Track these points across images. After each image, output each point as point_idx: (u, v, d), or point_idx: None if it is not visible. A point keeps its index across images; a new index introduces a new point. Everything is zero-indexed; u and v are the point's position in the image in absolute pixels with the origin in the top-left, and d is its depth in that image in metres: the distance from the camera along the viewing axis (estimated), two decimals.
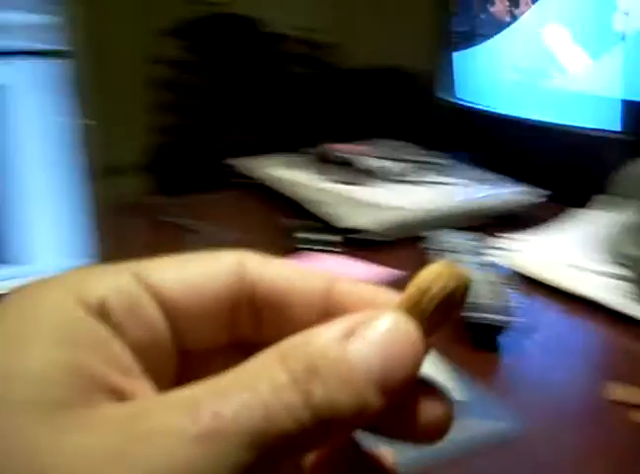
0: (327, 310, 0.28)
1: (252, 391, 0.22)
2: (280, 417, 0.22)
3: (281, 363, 0.23)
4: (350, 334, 0.24)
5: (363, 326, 0.24)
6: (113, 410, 0.22)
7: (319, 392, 0.22)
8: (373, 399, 0.23)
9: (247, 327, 0.29)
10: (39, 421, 0.20)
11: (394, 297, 0.27)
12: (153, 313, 0.26)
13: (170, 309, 0.27)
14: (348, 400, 0.23)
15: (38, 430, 0.20)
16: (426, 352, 0.25)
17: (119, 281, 0.26)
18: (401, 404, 0.25)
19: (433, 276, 0.26)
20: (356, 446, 0.28)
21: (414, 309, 0.25)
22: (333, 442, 0.27)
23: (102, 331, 0.24)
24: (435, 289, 0.26)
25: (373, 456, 0.28)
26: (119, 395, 0.23)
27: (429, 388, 0.26)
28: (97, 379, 0.23)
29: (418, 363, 0.25)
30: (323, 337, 0.24)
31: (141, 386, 0.25)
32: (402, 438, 0.26)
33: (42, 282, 0.25)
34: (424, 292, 0.26)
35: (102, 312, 0.25)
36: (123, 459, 0.20)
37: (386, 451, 0.29)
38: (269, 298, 0.28)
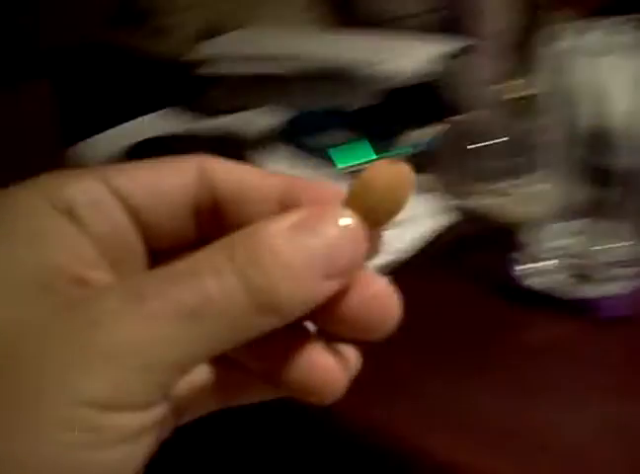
0: (284, 207, 0.30)
1: (196, 278, 0.25)
2: (220, 303, 0.24)
3: (226, 253, 0.25)
4: (296, 226, 0.26)
5: (310, 219, 0.26)
6: (74, 294, 0.25)
7: (259, 279, 0.25)
8: (314, 289, 0.26)
9: (211, 225, 0.31)
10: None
11: (342, 194, 0.28)
12: (118, 213, 0.29)
13: (135, 210, 0.30)
14: (287, 287, 0.25)
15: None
16: (371, 245, 0.27)
17: (85, 184, 0.29)
18: (341, 298, 0.27)
19: (376, 171, 0.28)
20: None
21: (359, 205, 0.27)
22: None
23: (70, 229, 0.28)
24: (378, 185, 0.28)
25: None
26: (84, 284, 0.26)
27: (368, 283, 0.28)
28: (63, 270, 0.26)
29: (360, 256, 0.27)
30: (269, 228, 0.26)
31: (106, 277, 0.28)
32: (352, 331, 0.28)
33: (18, 187, 0.28)
34: (367, 188, 0.28)
35: (70, 212, 0.28)
36: (75, 338, 0.23)
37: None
38: (229, 197, 0.30)
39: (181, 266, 0.26)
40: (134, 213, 0.30)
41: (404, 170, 0.28)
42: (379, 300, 0.28)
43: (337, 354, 0.30)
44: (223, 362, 0.31)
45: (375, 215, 0.28)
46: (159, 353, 0.24)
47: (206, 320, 0.25)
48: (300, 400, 0.29)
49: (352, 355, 0.31)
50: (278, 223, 0.26)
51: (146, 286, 0.25)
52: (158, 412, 0.25)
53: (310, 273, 0.26)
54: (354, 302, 0.28)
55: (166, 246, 0.31)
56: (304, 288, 0.26)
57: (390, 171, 0.28)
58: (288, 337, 0.29)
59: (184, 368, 0.25)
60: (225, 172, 0.31)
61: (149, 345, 0.24)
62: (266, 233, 0.26)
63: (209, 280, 0.25)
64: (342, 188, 0.29)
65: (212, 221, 0.31)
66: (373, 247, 0.28)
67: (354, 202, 0.28)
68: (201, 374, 0.32)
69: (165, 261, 0.27)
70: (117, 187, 0.29)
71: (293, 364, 0.29)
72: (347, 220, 0.27)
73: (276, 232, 0.26)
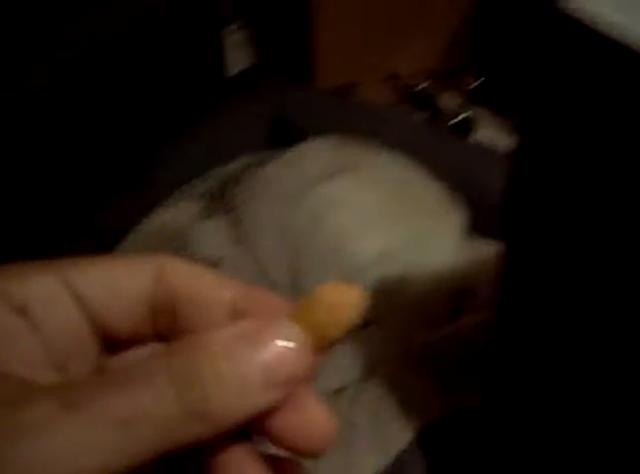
0: (237, 314, 0.32)
1: (131, 387, 0.26)
2: (152, 412, 0.26)
3: (164, 362, 0.27)
4: (238, 338, 0.28)
5: (253, 331, 0.28)
6: (12, 395, 0.26)
7: (193, 391, 0.26)
8: (247, 402, 0.27)
9: (165, 323, 0.33)
10: None
11: (293, 308, 0.30)
12: (72, 310, 0.31)
13: (89, 307, 0.31)
14: (220, 400, 0.26)
15: None
16: (317, 359, 0.29)
17: (41, 280, 0.30)
18: (285, 414, 0.29)
19: (326, 289, 0.30)
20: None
21: (309, 321, 0.29)
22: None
23: (20, 327, 0.29)
24: (326, 301, 0.30)
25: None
26: (27, 383, 0.27)
27: (310, 403, 0.30)
28: (8, 369, 0.27)
29: (300, 371, 0.28)
30: (210, 339, 0.28)
31: (51, 376, 0.29)
32: (288, 448, 0.30)
33: None
34: (315, 303, 0.30)
35: (23, 309, 0.29)
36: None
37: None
38: (184, 300, 0.33)
39: (118, 374, 0.27)
40: (89, 310, 0.31)
41: (353, 291, 0.31)
42: (311, 427, 0.30)
43: (279, 467, 0.31)
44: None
45: (321, 331, 0.29)
46: (87, 460, 0.25)
47: (138, 428, 0.25)
48: None
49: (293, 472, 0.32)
50: (219, 334, 0.28)
51: (81, 393, 0.26)
52: None
53: (245, 386, 0.27)
54: (287, 423, 0.29)
55: (123, 339, 0.33)
56: (238, 401, 0.27)
57: (339, 290, 0.30)
58: (229, 449, 0.30)
59: None
60: (183, 275, 0.33)
61: (78, 452, 0.24)
62: (206, 344, 0.27)
63: (144, 389, 0.26)
64: (292, 302, 0.32)
65: (168, 320, 0.33)
66: (314, 365, 0.30)
67: (301, 316, 0.29)
68: None
69: (121, 352, 0.31)
70: (72, 283, 0.31)
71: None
72: (290, 334, 0.28)
73: (216, 343, 0.27)
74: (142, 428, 0.25)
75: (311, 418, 0.30)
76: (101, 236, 1.65)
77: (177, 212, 1.61)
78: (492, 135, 2.26)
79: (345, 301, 0.30)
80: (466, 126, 2.28)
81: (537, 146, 0.88)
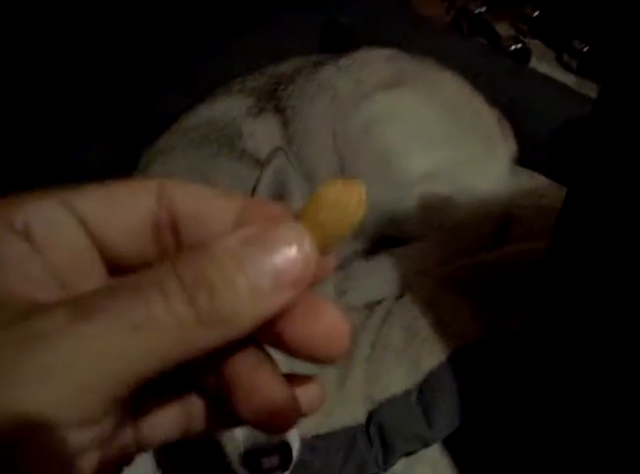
0: (240, 224, 0.32)
1: (141, 294, 0.27)
2: (164, 318, 0.26)
3: (172, 268, 0.27)
4: (246, 241, 0.29)
5: (260, 233, 0.29)
6: (22, 311, 0.27)
7: (204, 295, 0.27)
8: (260, 303, 0.28)
9: (170, 242, 0.33)
10: None
11: (296, 212, 0.31)
12: (75, 234, 0.31)
13: (93, 231, 0.32)
14: (232, 302, 0.27)
15: None
16: (322, 262, 0.30)
17: (44, 206, 0.31)
18: (299, 320, 0.30)
19: (328, 188, 0.31)
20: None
21: (313, 221, 0.30)
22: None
23: (24, 250, 0.30)
24: (328, 200, 0.30)
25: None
26: (33, 303, 0.28)
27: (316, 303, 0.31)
28: (13, 290, 0.28)
29: (309, 268, 0.29)
30: (218, 244, 0.28)
31: (55, 297, 0.29)
32: (304, 355, 0.31)
33: None
34: (318, 203, 0.31)
35: (27, 233, 0.30)
36: (14, 352, 0.25)
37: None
38: (187, 218, 0.33)
39: (128, 282, 0.28)
40: (92, 232, 0.32)
41: (355, 187, 0.31)
42: (326, 330, 0.30)
43: (296, 385, 0.33)
44: (183, 392, 0.33)
45: (326, 229, 0.30)
46: (101, 367, 0.26)
47: (151, 334, 0.26)
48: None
49: (311, 389, 0.34)
50: (227, 239, 0.29)
51: (91, 302, 0.27)
52: (102, 429, 0.27)
53: (255, 289, 0.28)
54: (302, 328, 0.30)
55: (126, 263, 0.33)
56: (248, 304, 0.28)
57: (341, 188, 0.31)
58: (248, 362, 0.31)
59: (129, 383, 0.27)
60: (184, 194, 0.33)
61: (91, 359, 0.25)
62: (213, 250, 0.28)
63: (154, 295, 0.27)
64: (292, 209, 0.33)
65: (172, 240, 0.33)
66: (325, 265, 0.31)
67: (305, 217, 0.31)
68: (163, 404, 0.33)
69: (127, 275, 0.29)
70: (74, 207, 0.31)
71: (250, 393, 0.31)
72: (295, 234, 0.29)
73: (224, 248, 0.28)
74: (155, 333, 0.26)
75: (325, 321, 0.31)
76: (151, 126, 1.62)
77: (227, 106, 1.57)
78: (546, 69, 2.19)
79: (347, 198, 0.31)
80: (523, 57, 2.22)
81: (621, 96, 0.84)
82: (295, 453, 1.03)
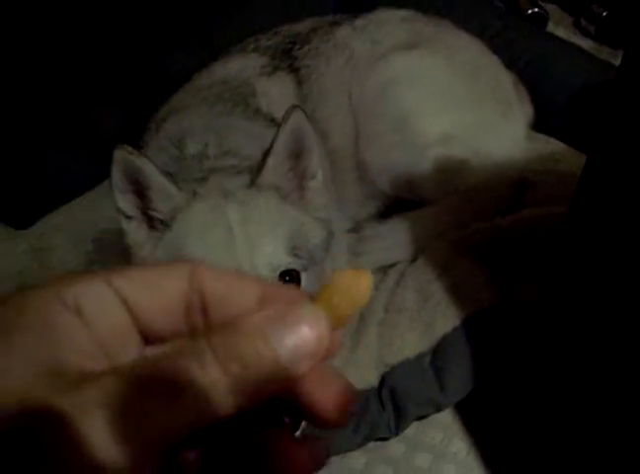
0: (263, 304, 0.37)
1: (181, 360, 0.32)
2: (199, 384, 0.31)
3: (208, 341, 0.32)
4: (270, 319, 0.33)
5: (281, 313, 0.34)
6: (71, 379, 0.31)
7: (236, 369, 0.32)
8: (279, 373, 0.33)
9: (199, 317, 0.38)
10: None
11: (311, 296, 0.36)
12: (118, 311, 0.36)
13: (134, 308, 0.37)
14: (257, 372, 0.32)
15: None
16: (334, 330, 0.35)
17: (92, 285, 0.36)
18: (310, 384, 0.35)
19: (340, 277, 0.37)
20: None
21: (325, 303, 0.35)
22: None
23: (75, 324, 0.34)
24: (341, 285, 0.36)
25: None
26: (82, 372, 0.32)
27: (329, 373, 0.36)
28: (66, 360, 0.32)
29: (322, 342, 0.34)
30: (246, 321, 0.33)
31: (101, 366, 0.33)
32: (312, 417, 0.36)
33: (36, 287, 0.35)
34: (332, 288, 0.36)
35: (77, 309, 0.34)
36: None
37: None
38: (215, 299, 0.38)
39: (168, 354, 0.32)
40: (132, 311, 0.37)
41: (364, 276, 0.37)
42: (335, 403, 0.36)
43: (307, 445, 0.36)
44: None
45: (337, 310, 0.35)
46: (140, 427, 0.30)
47: (189, 400, 0.31)
48: None
49: (320, 448, 0.37)
50: (255, 318, 0.34)
51: (138, 371, 0.32)
52: None
53: (278, 361, 0.33)
54: (315, 398, 0.36)
55: (160, 335, 0.38)
56: (272, 373, 0.33)
57: (352, 276, 0.37)
58: (268, 429, 0.37)
59: (162, 443, 0.31)
60: (213, 277, 0.38)
61: (137, 422, 0.30)
62: (244, 326, 0.33)
63: (193, 367, 0.31)
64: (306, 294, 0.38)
65: (201, 316, 0.38)
66: (335, 339, 0.36)
67: (320, 300, 0.36)
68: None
69: (160, 344, 0.37)
70: (118, 288, 0.36)
71: (269, 452, 0.36)
72: (312, 315, 0.34)
73: (252, 325, 0.33)
74: (192, 399, 0.31)
75: (334, 389, 0.36)
76: (165, 83, 1.60)
77: (241, 65, 1.55)
78: (563, 34, 2.16)
79: (357, 285, 0.36)
80: (540, 21, 2.18)
81: None
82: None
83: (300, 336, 0.34)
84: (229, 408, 0.32)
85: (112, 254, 1.27)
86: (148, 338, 0.38)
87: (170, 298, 0.38)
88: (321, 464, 0.37)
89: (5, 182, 1.63)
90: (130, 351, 0.37)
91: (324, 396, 0.36)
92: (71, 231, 1.59)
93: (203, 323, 0.38)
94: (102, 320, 0.35)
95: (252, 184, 1.08)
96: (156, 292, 0.37)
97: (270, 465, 0.36)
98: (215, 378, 0.32)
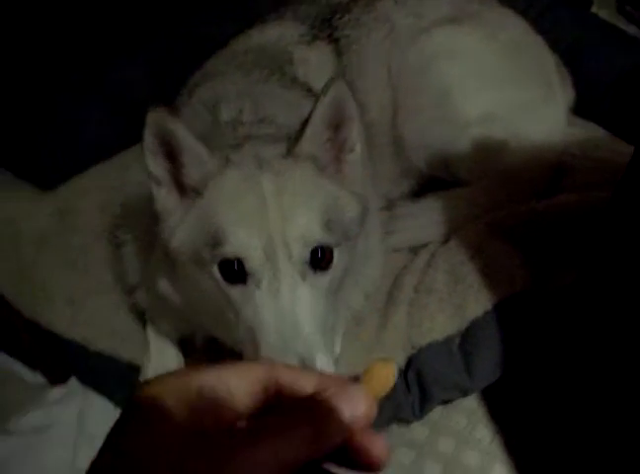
0: (321, 388, 0.50)
1: (287, 437, 0.46)
2: (298, 453, 0.45)
3: (305, 419, 0.47)
4: (342, 397, 0.48)
5: (349, 393, 0.49)
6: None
7: (323, 434, 0.47)
8: (347, 433, 0.48)
9: (272, 398, 0.50)
10: None
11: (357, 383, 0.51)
12: (227, 395, 0.49)
13: (234, 393, 0.49)
14: (336, 437, 0.47)
15: None
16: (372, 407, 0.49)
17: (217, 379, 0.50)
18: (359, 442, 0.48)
19: (376, 366, 0.53)
20: None
21: (367, 385, 0.51)
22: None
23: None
24: (377, 374, 0.52)
25: None
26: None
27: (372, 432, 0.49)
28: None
29: (373, 414, 0.49)
30: (330, 399, 0.48)
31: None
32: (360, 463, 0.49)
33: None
34: (371, 376, 0.52)
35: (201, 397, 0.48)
36: None
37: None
38: (286, 383, 0.50)
39: (272, 425, 0.47)
40: (234, 394, 0.49)
41: (391, 365, 0.53)
42: (373, 450, 0.49)
43: None
44: None
45: (374, 392, 0.51)
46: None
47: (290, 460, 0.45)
48: None
49: None
50: (331, 396, 0.48)
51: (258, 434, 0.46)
52: None
53: (344, 425, 0.48)
54: (360, 447, 0.48)
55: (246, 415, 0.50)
56: (340, 434, 0.47)
57: (383, 365, 0.53)
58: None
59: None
60: (285, 369, 0.52)
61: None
62: (326, 403, 0.48)
63: (296, 433, 0.46)
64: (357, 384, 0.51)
65: (274, 397, 0.50)
66: (373, 408, 0.49)
67: (365, 383, 0.52)
68: None
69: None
70: (226, 378, 0.50)
71: None
72: (364, 394, 0.49)
73: (332, 401, 0.48)
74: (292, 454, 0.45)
75: (374, 444, 0.49)
76: (199, 47, 1.57)
77: (279, 32, 1.51)
78: (606, 19, 2.10)
79: (387, 372, 0.53)
80: (584, 3, 2.13)
81: None
82: None
83: (359, 408, 0.49)
84: (312, 457, 0.47)
85: (138, 219, 1.25)
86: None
87: (251, 392, 0.50)
88: None
89: (33, 142, 1.62)
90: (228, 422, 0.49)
91: (371, 445, 0.49)
92: (98, 194, 1.57)
93: (277, 402, 0.51)
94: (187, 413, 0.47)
95: (288, 153, 1.05)
96: (245, 380, 0.50)
97: None
98: (309, 443, 0.46)
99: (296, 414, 0.48)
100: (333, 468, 0.50)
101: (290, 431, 0.46)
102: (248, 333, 0.98)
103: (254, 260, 0.97)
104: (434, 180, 1.60)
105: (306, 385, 0.51)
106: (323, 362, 0.92)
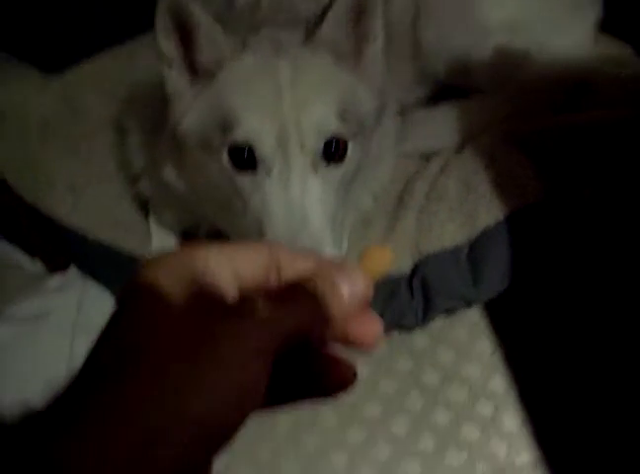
0: (320, 268, 0.51)
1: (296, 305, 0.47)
2: (310, 316, 0.47)
3: (310, 289, 0.48)
4: (342, 274, 0.50)
5: (347, 271, 0.50)
6: None
7: (326, 306, 0.48)
8: (347, 308, 0.49)
9: (274, 279, 0.51)
10: None
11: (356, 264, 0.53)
12: (229, 272, 0.48)
13: (238, 270, 0.49)
14: (341, 310, 0.48)
15: None
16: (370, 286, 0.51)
17: (214, 259, 0.48)
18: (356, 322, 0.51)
19: (372, 249, 0.54)
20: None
21: (364, 266, 0.52)
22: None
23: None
24: (373, 258, 0.53)
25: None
26: None
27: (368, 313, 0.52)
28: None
29: (370, 292, 0.50)
30: (329, 275, 0.49)
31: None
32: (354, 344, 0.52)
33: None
34: (368, 258, 0.53)
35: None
36: None
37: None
38: (286, 263, 0.51)
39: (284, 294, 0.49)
40: (236, 271, 0.49)
41: (388, 250, 0.54)
42: (371, 333, 0.52)
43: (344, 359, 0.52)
44: None
45: (371, 273, 0.52)
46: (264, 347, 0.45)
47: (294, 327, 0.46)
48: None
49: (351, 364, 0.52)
50: (330, 272, 0.50)
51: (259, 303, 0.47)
52: None
53: (346, 301, 0.49)
54: (357, 327, 0.51)
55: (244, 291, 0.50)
56: (345, 308, 0.49)
57: (380, 249, 0.54)
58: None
59: (293, 337, 0.46)
60: (285, 251, 0.52)
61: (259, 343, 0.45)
62: (327, 277, 0.49)
63: (305, 302, 0.48)
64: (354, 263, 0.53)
65: (276, 275, 0.51)
66: (370, 287, 0.51)
67: (362, 264, 0.53)
68: None
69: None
70: (228, 256, 0.49)
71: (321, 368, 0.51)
72: (361, 275, 0.50)
73: (330, 277, 0.49)
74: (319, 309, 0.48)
75: (370, 323, 0.52)
76: None
77: None
78: None
79: (383, 257, 0.54)
80: None
81: None
82: None
83: (356, 285, 0.49)
84: (317, 332, 0.48)
85: (145, 106, 1.21)
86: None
87: (257, 265, 0.50)
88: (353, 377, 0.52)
89: (38, 23, 1.56)
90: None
91: (363, 327, 0.52)
92: (105, 82, 1.54)
93: (278, 282, 0.51)
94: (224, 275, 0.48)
95: (307, 40, 1.01)
96: (249, 262, 0.50)
97: (319, 379, 0.51)
98: (315, 313, 0.48)
99: (297, 288, 0.49)
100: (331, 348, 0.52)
101: (290, 303, 0.47)
102: (255, 224, 0.95)
103: (265, 146, 0.94)
104: (448, 89, 1.56)
105: (306, 266, 0.52)
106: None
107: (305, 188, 0.94)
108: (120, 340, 0.42)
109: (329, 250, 0.91)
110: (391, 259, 0.54)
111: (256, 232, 0.95)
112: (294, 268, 0.51)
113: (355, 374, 0.51)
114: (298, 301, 0.47)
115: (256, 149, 0.94)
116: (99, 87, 1.53)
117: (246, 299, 0.46)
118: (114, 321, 0.44)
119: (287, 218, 0.92)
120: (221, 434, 0.42)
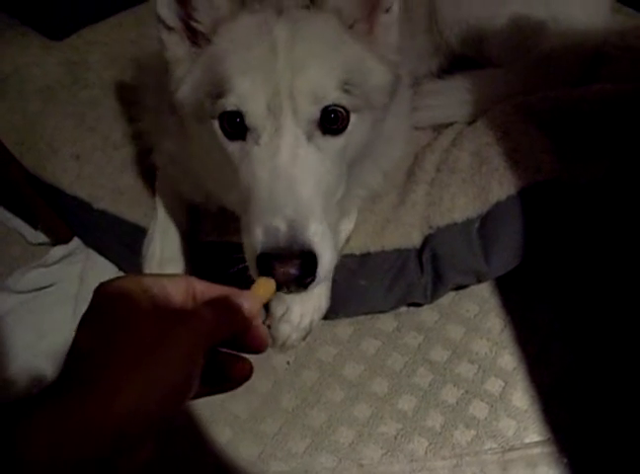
0: (226, 294, 0.68)
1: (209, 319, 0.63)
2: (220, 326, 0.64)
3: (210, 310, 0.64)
4: (240, 297, 0.67)
5: (244, 293, 0.69)
6: None
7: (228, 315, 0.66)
8: (250, 322, 0.68)
9: (191, 301, 0.67)
10: None
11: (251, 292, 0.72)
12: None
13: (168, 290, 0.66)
14: (241, 319, 0.66)
15: None
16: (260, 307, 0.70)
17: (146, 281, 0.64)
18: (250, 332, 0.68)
19: (262, 281, 0.76)
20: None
21: (257, 293, 0.74)
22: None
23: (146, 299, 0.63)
24: (261, 286, 0.76)
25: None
26: None
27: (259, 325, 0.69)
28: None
29: (258, 308, 0.69)
30: (232, 297, 0.67)
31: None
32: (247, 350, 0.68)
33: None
34: (259, 287, 0.75)
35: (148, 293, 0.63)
36: None
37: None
38: (200, 290, 0.68)
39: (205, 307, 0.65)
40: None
41: (271, 281, 0.77)
42: (258, 339, 0.68)
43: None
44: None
45: (260, 298, 0.72)
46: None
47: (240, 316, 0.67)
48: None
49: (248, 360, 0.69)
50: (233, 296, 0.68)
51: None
52: None
53: (245, 312, 0.66)
54: (250, 337, 0.67)
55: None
56: (242, 320, 0.66)
57: (266, 281, 0.77)
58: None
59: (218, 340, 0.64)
60: (199, 283, 0.68)
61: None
62: (232, 302, 0.67)
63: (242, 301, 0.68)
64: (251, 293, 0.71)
65: (192, 300, 0.67)
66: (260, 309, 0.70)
67: (254, 290, 0.74)
68: None
69: None
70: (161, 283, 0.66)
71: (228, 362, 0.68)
72: (254, 298, 0.69)
73: (231, 298, 0.67)
74: (241, 318, 0.67)
75: (259, 334, 0.67)
76: None
77: None
78: None
79: (269, 286, 0.76)
80: None
81: None
82: (323, 271, 0.86)
83: (250, 305, 0.67)
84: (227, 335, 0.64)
85: (149, 74, 1.17)
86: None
87: (180, 289, 0.65)
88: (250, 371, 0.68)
89: None
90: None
91: (254, 335, 0.67)
92: (110, 47, 1.50)
93: (193, 301, 0.67)
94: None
95: (312, 2, 0.96)
96: (174, 287, 0.65)
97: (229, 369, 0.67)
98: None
99: (215, 303, 0.65)
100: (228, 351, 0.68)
101: (204, 317, 0.61)
102: (245, 194, 0.89)
103: (254, 113, 0.87)
104: (462, 61, 1.52)
105: (216, 292, 0.68)
106: (314, 232, 0.84)
107: (295, 155, 0.88)
108: (97, 333, 0.56)
109: (314, 227, 0.85)
110: (274, 288, 0.78)
111: (245, 202, 0.89)
112: (208, 294, 0.68)
113: (251, 369, 0.68)
114: (220, 312, 0.64)
115: (245, 116, 0.88)
116: (104, 53, 1.50)
117: (186, 310, 0.64)
118: (89, 317, 0.58)
119: (273, 187, 0.86)
120: (155, 421, 0.53)
